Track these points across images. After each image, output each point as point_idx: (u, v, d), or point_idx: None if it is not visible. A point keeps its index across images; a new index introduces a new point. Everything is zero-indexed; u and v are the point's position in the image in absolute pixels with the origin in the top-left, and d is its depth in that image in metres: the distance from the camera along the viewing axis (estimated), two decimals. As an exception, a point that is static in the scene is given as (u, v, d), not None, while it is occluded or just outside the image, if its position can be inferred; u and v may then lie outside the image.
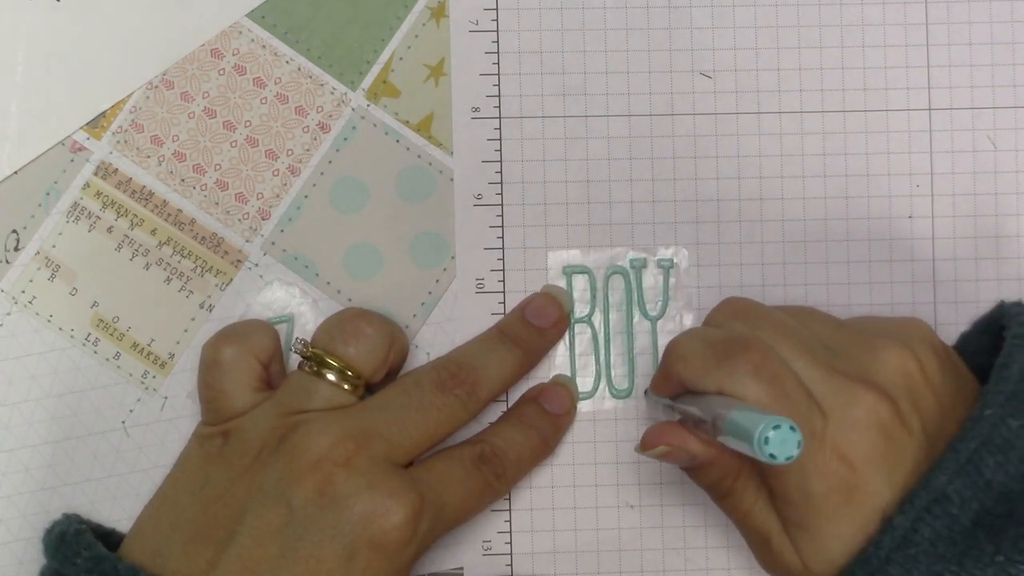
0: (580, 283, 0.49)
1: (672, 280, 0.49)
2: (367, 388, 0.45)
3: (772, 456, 0.36)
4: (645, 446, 0.42)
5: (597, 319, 0.49)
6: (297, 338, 0.45)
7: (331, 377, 0.43)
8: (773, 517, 0.42)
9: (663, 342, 0.48)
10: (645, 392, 0.48)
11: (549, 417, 0.47)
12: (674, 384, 0.43)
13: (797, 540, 0.41)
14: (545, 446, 0.47)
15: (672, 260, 0.49)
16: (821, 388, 0.41)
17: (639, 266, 0.49)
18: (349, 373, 0.43)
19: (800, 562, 0.42)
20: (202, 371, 0.44)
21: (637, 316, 0.49)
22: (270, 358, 0.45)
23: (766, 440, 0.36)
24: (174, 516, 0.42)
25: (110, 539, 0.45)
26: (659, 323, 0.49)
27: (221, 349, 0.44)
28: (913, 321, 0.44)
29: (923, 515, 0.39)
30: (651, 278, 0.49)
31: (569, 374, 0.48)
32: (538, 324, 0.47)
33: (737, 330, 0.43)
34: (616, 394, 0.48)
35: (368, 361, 0.44)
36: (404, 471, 0.42)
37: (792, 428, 0.36)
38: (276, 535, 0.40)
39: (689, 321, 0.49)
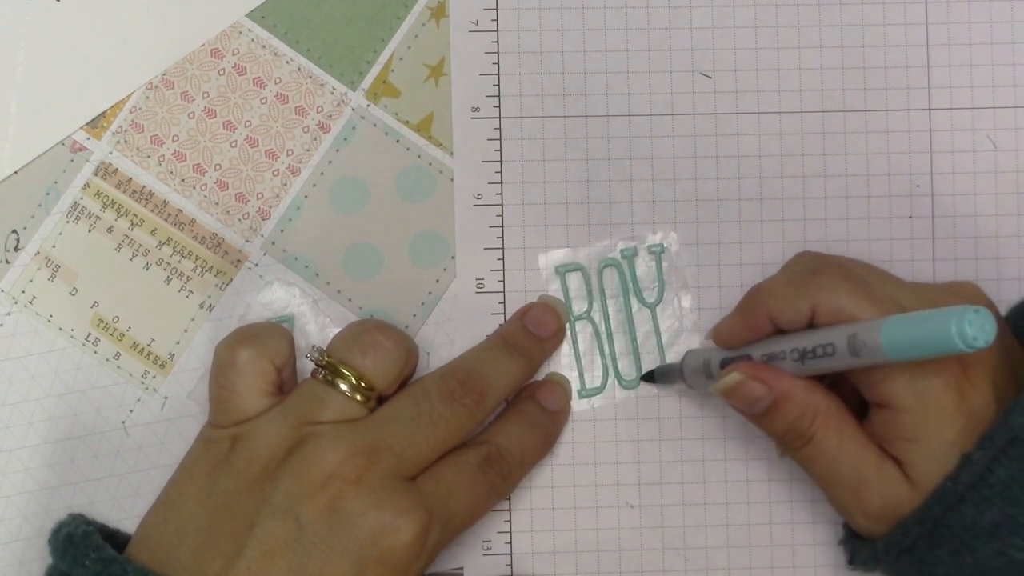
0: (575, 281, 0.49)
1: (664, 264, 0.49)
2: (378, 400, 0.44)
3: (975, 339, 0.36)
4: (719, 380, 0.43)
5: (596, 314, 0.49)
6: (314, 346, 0.44)
7: (344, 387, 0.43)
8: (868, 449, 0.42)
9: (664, 327, 0.48)
10: (682, 367, 0.47)
11: (548, 414, 0.47)
12: (760, 324, 0.43)
13: (909, 455, 0.41)
14: (547, 443, 0.47)
15: (662, 245, 0.49)
16: (907, 299, 0.41)
17: (630, 255, 0.49)
18: (362, 384, 0.43)
19: (907, 485, 0.41)
20: (215, 371, 0.44)
21: (636, 305, 0.49)
22: (284, 363, 0.45)
23: (969, 323, 0.36)
24: (180, 523, 0.42)
25: (114, 539, 0.45)
26: (657, 309, 0.49)
27: (237, 350, 0.44)
28: (968, 284, 0.45)
29: (999, 456, 0.39)
30: (643, 266, 0.49)
31: (575, 372, 0.48)
32: (537, 333, 0.47)
33: (815, 265, 0.43)
34: (626, 385, 0.48)
35: (383, 374, 0.44)
36: (413, 486, 0.42)
37: (984, 311, 0.36)
38: (285, 550, 0.40)
39: (687, 302, 0.49)
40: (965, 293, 0.44)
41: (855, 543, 0.44)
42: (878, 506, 0.42)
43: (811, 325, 0.42)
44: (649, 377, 0.48)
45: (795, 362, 0.41)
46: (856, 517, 0.43)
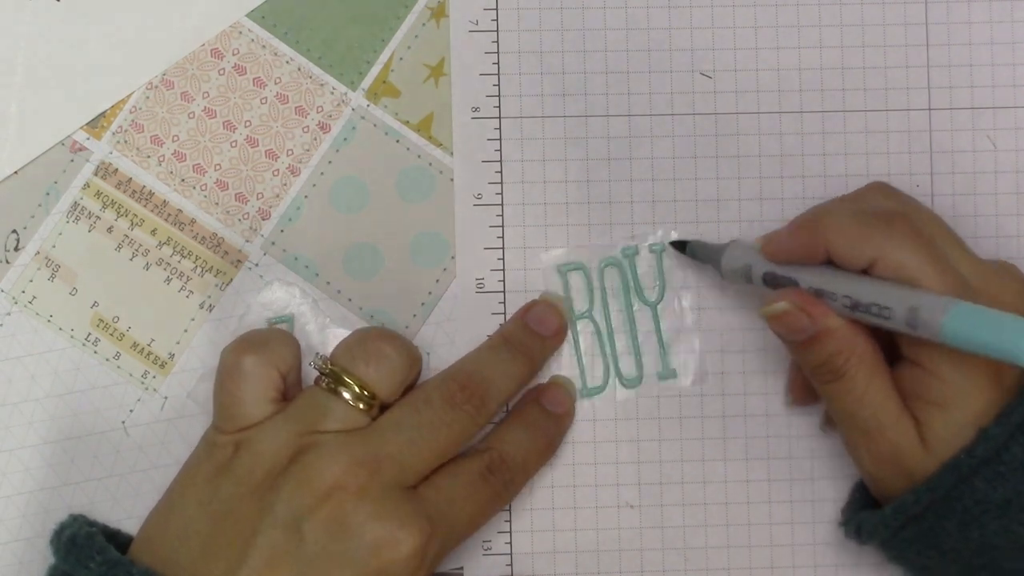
0: (576, 280, 0.49)
1: (666, 262, 0.49)
2: (381, 408, 0.44)
3: None
4: (767, 303, 0.43)
5: (598, 313, 0.49)
6: (317, 353, 0.44)
7: (347, 395, 0.43)
8: (891, 400, 0.42)
9: (665, 326, 0.48)
10: (721, 258, 0.46)
11: (552, 417, 0.47)
12: (816, 252, 0.42)
13: (929, 418, 0.41)
14: (550, 447, 0.47)
15: (663, 244, 0.49)
16: (967, 270, 0.41)
17: (631, 254, 0.49)
18: (365, 393, 0.43)
19: (919, 446, 0.41)
20: (221, 376, 0.44)
21: (637, 304, 0.49)
22: (289, 369, 0.45)
23: None
24: (182, 527, 0.42)
25: (115, 540, 0.44)
26: (659, 308, 0.49)
27: (243, 357, 0.43)
28: (1012, 265, 0.45)
29: (1016, 433, 0.40)
30: (644, 264, 0.49)
31: (577, 372, 0.48)
32: (539, 331, 0.47)
33: (886, 205, 0.43)
34: (627, 384, 0.48)
35: (386, 383, 0.44)
36: (414, 496, 0.42)
37: None
38: (287, 559, 0.40)
39: (688, 302, 0.49)
40: (1018, 277, 0.44)
41: (861, 515, 0.44)
42: (887, 452, 0.42)
43: (865, 270, 0.42)
44: (680, 246, 0.48)
45: (845, 308, 0.41)
46: (864, 459, 0.43)
